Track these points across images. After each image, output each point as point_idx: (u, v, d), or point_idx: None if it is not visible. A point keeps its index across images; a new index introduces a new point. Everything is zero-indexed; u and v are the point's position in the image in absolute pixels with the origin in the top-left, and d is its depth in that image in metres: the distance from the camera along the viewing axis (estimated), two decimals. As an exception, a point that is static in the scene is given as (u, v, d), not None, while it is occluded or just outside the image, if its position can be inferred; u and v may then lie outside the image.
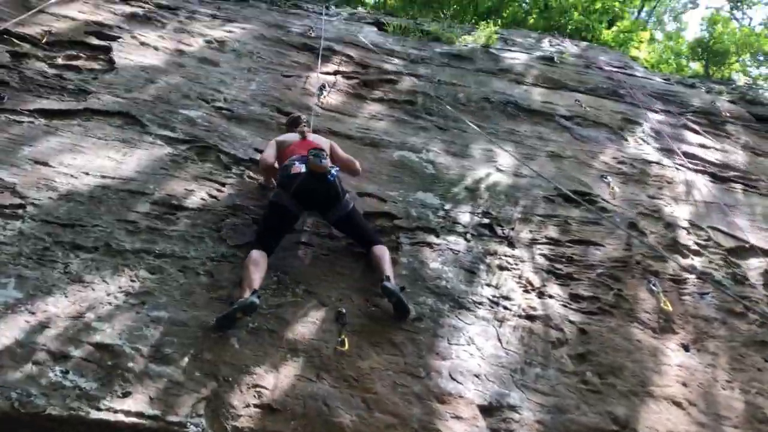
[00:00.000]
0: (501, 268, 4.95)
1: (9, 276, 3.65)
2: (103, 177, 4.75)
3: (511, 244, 5.25)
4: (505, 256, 5.10)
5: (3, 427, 2.98)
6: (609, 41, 17.15)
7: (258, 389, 3.40)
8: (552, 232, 5.54)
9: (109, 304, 3.69)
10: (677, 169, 7.39)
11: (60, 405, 3.01)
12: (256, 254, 4.08)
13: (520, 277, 4.89)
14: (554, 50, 11.74)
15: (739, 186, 7.48)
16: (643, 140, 8.09)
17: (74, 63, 6.38)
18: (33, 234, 4.02)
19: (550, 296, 4.76)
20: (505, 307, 4.54)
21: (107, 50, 6.77)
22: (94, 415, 3.03)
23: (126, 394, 3.16)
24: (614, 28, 17.94)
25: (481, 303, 4.52)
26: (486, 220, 5.47)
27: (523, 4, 18.83)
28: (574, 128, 8.00)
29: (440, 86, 8.32)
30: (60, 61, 6.33)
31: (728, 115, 9.80)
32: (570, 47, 12.33)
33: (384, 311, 4.19)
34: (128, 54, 6.84)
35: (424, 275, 4.66)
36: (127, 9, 8.17)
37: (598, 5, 17.57)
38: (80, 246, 4.04)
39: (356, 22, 11.10)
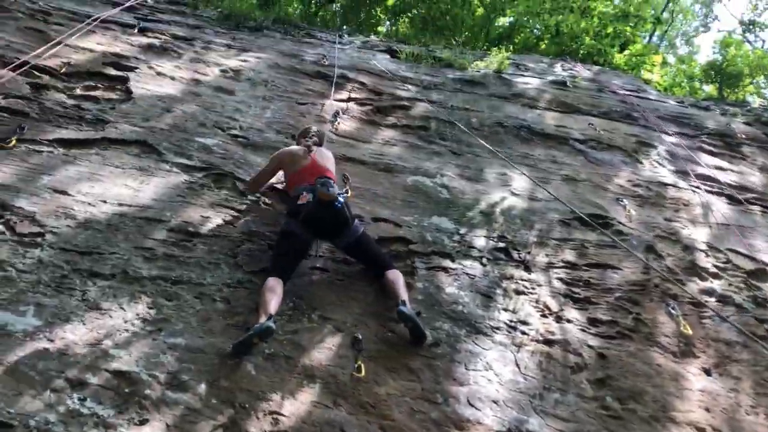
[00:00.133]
0: (518, 292, 4.92)
1: (28, 304, 3.68)
2: (121, 205, 4.79)
3: (528, 268, 5.22)
4: (522, 280, 5.07)
5: (21, 455, 2.98)
6: (621, 65, 17.17)
7: (275, 416, 3.37)
8: (569, 255, 5.50)
9: (127, 331, 3.70)
10: (694, 191, 7.35)
11: (77, 433, 3.01)
12: (272, 281, 4.10)
13: (537, 301, 4.86)
14: (567, 75, 11.78)
15: (757, 208, 7.41)
16: (659, 163, 8.06)
17: (92, 93, 6.49)
18: (51, 262, 4.05)
19: (568, 320, 4.71)
20: (523, 332, 4.50)
21: (124, 80, 6.88)
22: (112, 442, 3.03)
23: (143, 422, 3.14)
24: (626, 52, 17.96)
25: (498, 328, 4.49)
26: (502, 244, 5.45)
27: (535, 30, 18.94)
28: (589, 152, 7.99)
29: (453, 111, 8.36)
30: (78, 91, 6.44)
31: (744, 136, 9.75)
32: (582, 71, 12.35)
33: (400, 336, 4.17)
34: (145, 84, 6.95)
35: (440, 300, 4.64)
36: (144, 40, 8.32)
37: (610, 30, 17.61)
38: (98, 273, 4.07)
39: (369, 50, 11.22)
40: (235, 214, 5.07)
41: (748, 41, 23.58)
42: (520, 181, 6.67)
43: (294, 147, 5.40)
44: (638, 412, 3.98)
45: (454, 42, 15.96)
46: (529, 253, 5.42)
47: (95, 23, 8.22)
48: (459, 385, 3.90)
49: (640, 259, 5.48)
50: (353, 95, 8.28)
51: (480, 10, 18.30)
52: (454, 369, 4.02)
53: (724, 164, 8.63)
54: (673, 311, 4.98)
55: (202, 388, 3.43)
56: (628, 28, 18.04)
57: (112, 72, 7.02)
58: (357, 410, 3.54)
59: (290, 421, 3.37)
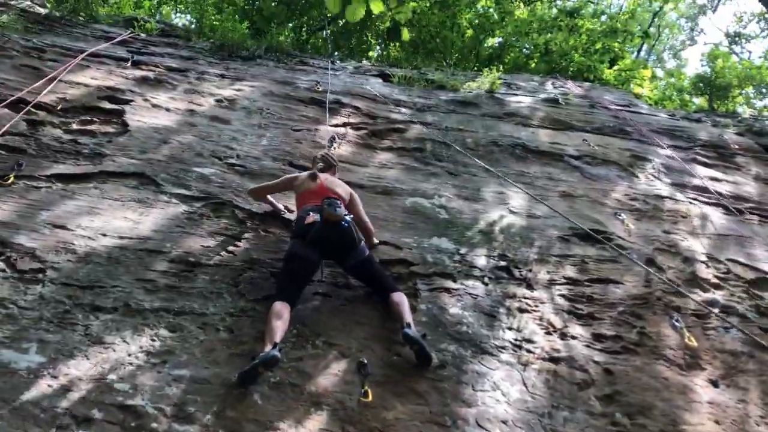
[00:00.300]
0: (521, 310, 4.90)
1: (31, 341, 3.66)
2: (121, 238, 4.79)
3: (530, 286, 5.22)
4: (525, 298, 5.06)
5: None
6: (611, 81, 17.34)
7: (283, 445, 3.35)
8: (570, 271, 5.50)
9: (131, 364, 3.67)
10: (691, 203, 7.37)
11: (85, 470, 2.98)
12: (279, 306, 4.07)
13: (541, 318, 4.84)
14: (558, 92, 11.88)
15: (754, 217, 7.44)
16: (654, 176, 8.10)
17: (89, 128, 6.51)
18: (53, 297, 4.04)
19: (573, 337, 4.70)
20: (528, 350, 4.48)
21: (120, 114, 6.92)
22: (119, 478, 2.99)
23: (150, 456, 3.11)
24: (616, 68, 18.15)
25: (503, 347, 4.47)
26: (503, 263, 5.45)
27: (524, 50, 19.13)
28: (584, 167, 8.02)
29: (448, 132, 8.40)
30: (75, 126, 6.47)
31: (737, 147, 9.82)
32: (573, 88, 12.46)
33: (406, 360, 4.15)
34: (141, 116, 6.98)
35: (444, 321, 4.62)
36: (138, 73, 8.37)
37: (599, 45, 17.83)
38: (100, 307, 4.06)
39: (361, 75, 11.31)
40: (236, 242, 5.07)
41: (735, 53, 23.87)
42: (517, 199, 6.69)
43: (305, 173, 5.42)
44: (648, 427, 3.95)
45: (445, 64, 16.11)
46: (530, 270, 5.42)
47: (89, 58, 8.28)
48: (467, 406, 3.87)
49: (644, 268, 5.49)
50: (348, 120, 8.32)
51: (469, 32, 18.50)
52: (462, 390, 4.00)
53: (719, 175, 8.68)
54: (677, 323, 4.97)
55: (209, 419, 3.40)
56: (616, 44, 18.25)
57: (108, 106, 7.05)
58: (366, 436, 3.51)
59: (299, 449, 3.33)
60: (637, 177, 7.99)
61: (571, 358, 4.47)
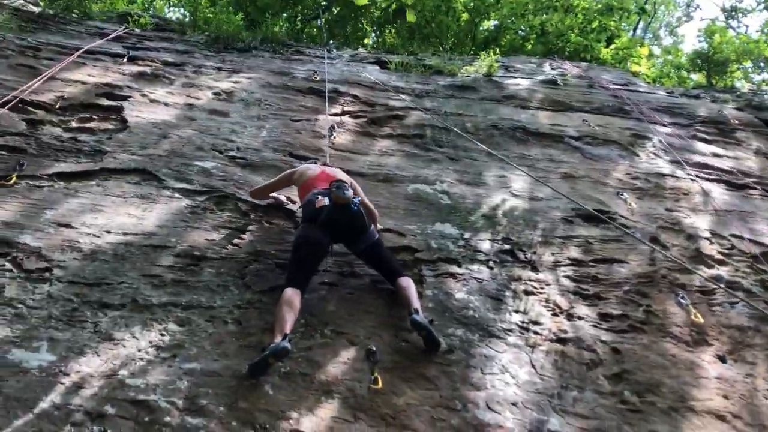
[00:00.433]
0: (527, 293, 4.92)
1: (41, 339, 3.68)
2: (125, 234, 4.80)
3: (535, 268, 5.23)
4: (530, 280, 5.07)
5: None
6: (608, 60, 17.25)
7: (296, 434, 3.37)
8: (574, 252, 5.51)
9: (141, 359, 3.69)
10: (692, 180, 7.37)
11: (101, 465, 3.01)
12: (290, 292, 4.07)
13: (547, 300, 4.86)
14: (556, 73, 11.83)
15: (756, 192, 7.43)
16: (655, 154, 8.09)
17: (88, 125, 6.50)
18: (61, 296, 4.05)
19: (580, 317, 4.72)
20: (536, 332, 4.50)
21: (119, 110, 6.90)
22: (136, 472, 3.02)
23: (165, 449, 3.14)
24: (612, 46, 18.04)
25: (510, 330, 4.49)
26: (507, 246, 5.46)
27: (520, 32, 19.02)
28: (585, 148, 8.01)
29: (447, 118, 8.38)
30: (74, 124, 6.46)
31: (737, 122, 9.79)
32: (571, 69, 12.41)
33: (414, 346, 4.17)
34: (140, 112, 6.97)
35: (451, 306, 4.64)
36: (135, 69, 8.34)
37: (595, 24, 17.72)
38: (108, 304, 4.07)
39: (358, 63, 11.27)
40: (240, 235, 5.08)
41: (732, 27, 23.69)
42: (519, 182, 6.70)
43: (309, 164, 5.46)
44: (657, 404, 3.98)
45: (441, 49, 16.04)
46: (534, 253, 5.43)
47: (85, 55, 8.26)
48: (476, 390, 3.90)
49: (649, 246, 5.50)
50: (347, 108, 8.30)
51: (465, 16, 18.37)
52: (471, 374, 4.02)
53: (720, 151, 8.67)
54: (682, 301, 4.99)
55: (221, 411, 3.43)
56: (612, 22, 18.14)
57: (106, 102, 7.04)
58: (377, 422, 3.54)
59: (312, 438, 3.36)
60: (638, 156, 7.99)
61: (578, 338, 4.49)
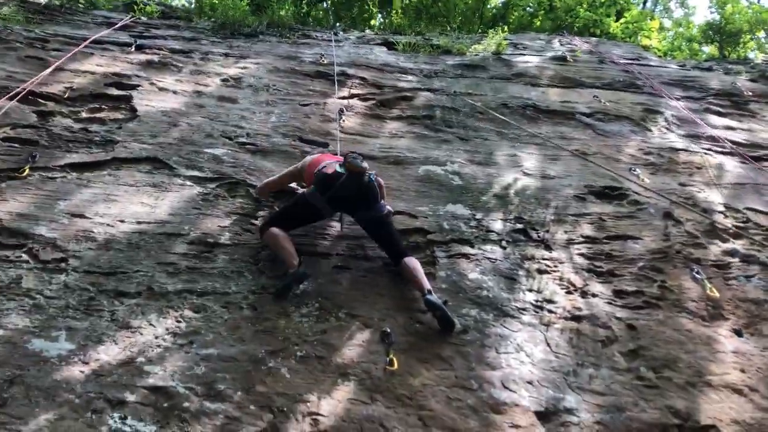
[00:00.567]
0: (540, 271, 4.91)
1: (59, 329, 3.73)
2: (139, 223, 4.83)
3: (548, 247, 5.21)
4: (543, 259, 5.06)
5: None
6: (618, 34, 17.04)
7: (314, 417, 3.40)
8: (587, 230, 5.49)
9: (159, 346, 3.73)
10: (706, 153, 7.29)
11: (122, 451, 3.05)
12: (277, 230, 4.42)
13: (560, 278, 4.85)
14: (565, 49, 11.70)
15: (771, 164, 7.35)
16: (668, 128, 8.01)
17: (98, 115, 6.52)
18: (77, 285, 4.10)
19: (594, 295, 4.71)
20: (550, 311, 4.50)
21: (128, 99, 6.91)
22: (157, 457, 3.07)
23: (185, 434, 3.18)
24: (622, 20, 17.82)
25: (525, 309, 4.49)
26: (519, 226, 5.45)
27: (528, 8, 18.83)
28: (596, 124, 7.95)
29: (457, 97, 8.33)
30: (84, 114, 6.48)
31: (750, 94, 9.67)
32: (581, 45, 12.27)
33: (428, 327, 4.18)
34: (149, 100, 6.97)
35: (465, 287, 4.64)
36: (143, 57, 8.34)
37: (604, -2, 17.52)
38: (124, 292, 4.11)
39: (366, 45, 11.19)
40: (252, 220, 5.09)
41: (745, -3, 23.28)
42: (531, 161, 6.66)
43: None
44: (674, 380, 3.98)
45: (449, 28, 15.90)
46: (547, 231, 5.41)
47: (93, 45, 8.27)
48: (492, 369, 3.91)
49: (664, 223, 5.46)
50: (355, 91, 8.27)
51: (472, -7, 18.21)
52: (486, 354, 4.03)
53: (734, 123, 8.56)
54: (697, 275, 4.96)
55: (239, 395, 3.46)
56: (623, -7, 17.91)
57: (115, 92, 7.05)
58: (394, 403, 3.57)
59: (330, 420, 3.39)
60: (650, 131, 7.91)
61: (593, 315, 4.48)
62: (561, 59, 10.79)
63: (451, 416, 3.53)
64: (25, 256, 4.27)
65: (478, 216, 5.53)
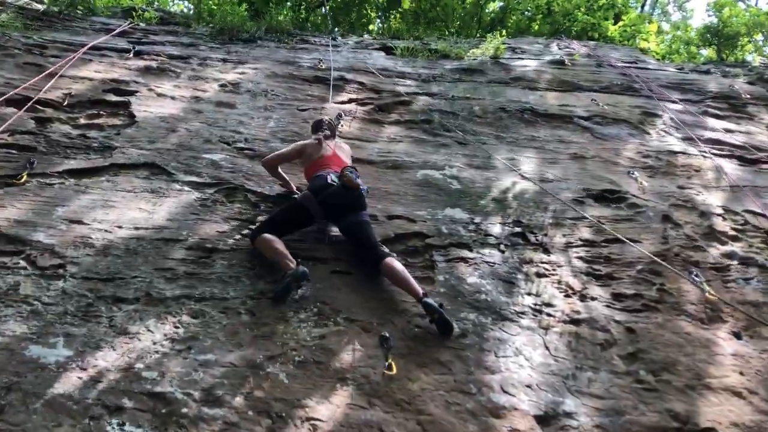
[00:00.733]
0: (539, 275, 4.91)
1: (57, 335, 3.71)
2: (137, 228, 4.83)
3: (546, 251, 5.21)
4: (542, 262, 5.06)
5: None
6: (616, 37, 17.09)
7: (312, 422, 3.39)
8: (585, 233, 5.49)
9: (157, 352, 3.72)
10: (704, 156, 7.30)
11: (120, 457, 3.04)
12: (270, 236, 4.48)
13: (559, 282, 4.85)
14: (563, 53, 11.74)
15: (769, 166, 7.36)
16: (666, 131, 8.03)
17: (96, 121, 6.53)
18: (75, 292, 4.09)
19: (593, 298, 4.70)
20: (549, 314, 4.49)
21: (126, 105, 6.92)
22: (155, 464, 3.05)
23: (183, 440, 3.17)
24: (620, 24, 17.88)
25: (523, 313, 4.49)
26: (518, 229, 5.45)
27: (526, 12, 18.87)
28: (594, 127, 7.96)
29: (455, 102, 8.34)
30: (82, 121, 6.49)
31: (748, 96, 9.69)
32: (579, 48, 12.30)
33: (427, 331, 4.17)
34: (147, 106, 6.98)
35: (463, 291, 4.64)
36: (141, 63, 8.36)
37: (602, 1, 17.54)
38: (122, 298, 4.10)
39: (364, 50, 11.22)
40: (250, 226, 5.08)
41: (742, 0, 23.36)
42: (529, 164, 6.66)
43: (312, 140, 5.52)
44: (673, 383, 3.97)
45: (447, 32, 15.94)
46: (545, 235, 5.41)
47: (91, 51, 8.28)
48: (491, 373, 3.90)
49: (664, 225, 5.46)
50: (354, 96, 8.28)
51: (470, -2, 18.27)
52: (485, 358, 4.02)
53: (732, 126, 8.58)
54: (696, 278, 4.96)
55: (238, 401, 3.45)
56: (619, -1, 17.96)
57: (113, 98, 7.06)
58: (393, 408, 3.55)
59: (328, 425, 3.38)
60: (648, 134, 7.92)
61: (591, 319, 4.48)
62: (559, 63, 10.82)
63: (450, 421, 3.52)
64: (22, 263, 4.26)
65: (477, 220, 5.53)
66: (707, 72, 11.71)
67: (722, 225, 5.79)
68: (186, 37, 10.58)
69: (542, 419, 3.62)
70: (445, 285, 4.68)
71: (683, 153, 7.33)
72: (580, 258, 5.17)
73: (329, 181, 4.81)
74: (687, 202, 6.12)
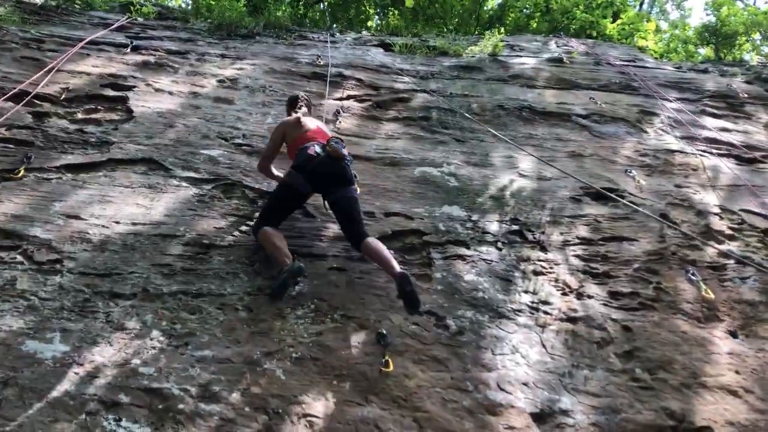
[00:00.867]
0: (536, 273, 4.92)
1: (54, 330, 3.71)
2: (134, 224, 4.82)
3: (544, 248, 5.22)
4: (539, 260, 5.07)
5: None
6: (615, 36, 17.07)
7: (308, 418, 3.40)
8: (583, 231, 5.50)
9: (153, 348, 3.72)
10: (701, 155, 7.31)
11: (117, 453, 3.04)
12: (270, 230, 4.49)
13: (556, 280, 4.86)
14: (562, 51, 11.72)
15: (766, 165, 7.37)
16: (663, 130, 8.03)
17: (94, 116, 6.51)
18: (72, 287, 4.08)
19: (590, 296, 4.71)
20: (546, 312, 4.50)
21: (124, 100, 6.90)
22: (151, 459, 3.06)
23: (180, 436, 3.17)
24: (618, 22, 17.86)
25: (520, 310, 4.50)
26: (515, 227, 5.45)
27: (524, 10, 18.84)
28: (592, 126, 7.96)
29: (453, 99, 8.34)
30: (80, 115, 6.47)
31: (746, 95, 9.68)
32: (577, 46, 12.29)
33: (424, 328, 4.19)
34: (145, 102, 6.96)
35: (460, 288, 4.64)
36: (139, 58, 8.33)
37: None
38: (119, 294, 4.10)
39: (362, 46, 11.19)
40: (248, 222, 5.08)
41: (740, -1, 23.35)
42: (526, 162, 6.67)
43: (291, 118, 5.48)
44: (669, 381, 3.98)
45: (446, 29, 15.92)
46: (543, 233, 5.42)
47: (89, 45, 8.26)
48: (487, 370, 3.91)
49: (660, 222, 5.47)
50: (352, 92, 8.27)
51: (468, -5, 18.23)
52: (481, 355, 4.03)
53: (729, 125, 8.58)
54: (693, 277, 4.97)
55: (234, 397, 3.46)
56: (618, -4, 17.94)
57: (111, 93, 7.04)
58: (389, 405, 3.56)
59: (324, 422, 3.39)
60: (646, 132, 7.92)
61: (588, 317, 4.49)
62: (557, 61, 10.80)
63: (447, 418, 3.53)
64: (19, 258, 4.26)
65: (474, 217, 5.53)
66: (705, 71, 11.71)
67: (719, 224, 5.79)
68: (184, 32, 10.54)
69: (538, 417, 3.64)
70: (442, 282, 4.69)
71: (681, 152, 7.33)
72: (578, 256, 5.17)
73: (312, 152, 4.77)
74: (684, 201, 6.12)
